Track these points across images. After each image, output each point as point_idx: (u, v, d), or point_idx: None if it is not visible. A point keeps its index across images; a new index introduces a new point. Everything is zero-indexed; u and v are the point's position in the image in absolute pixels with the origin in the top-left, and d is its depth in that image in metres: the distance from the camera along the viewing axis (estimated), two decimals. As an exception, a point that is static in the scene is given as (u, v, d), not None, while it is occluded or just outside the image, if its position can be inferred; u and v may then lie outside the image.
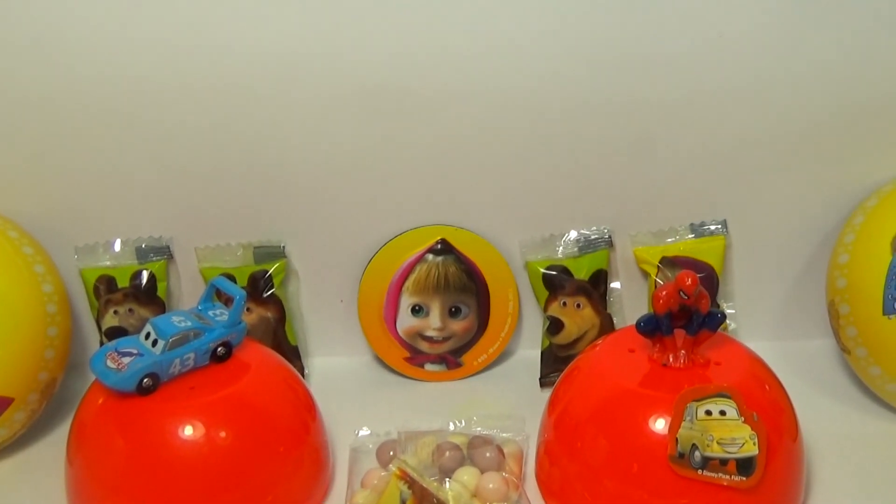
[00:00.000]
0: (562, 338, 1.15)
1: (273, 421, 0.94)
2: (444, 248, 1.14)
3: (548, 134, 1.12)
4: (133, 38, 1.06)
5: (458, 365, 1.17)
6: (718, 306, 1.15)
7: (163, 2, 1.05)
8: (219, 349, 0.94)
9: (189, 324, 0.93)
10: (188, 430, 0.89)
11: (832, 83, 1.10)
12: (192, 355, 0.93)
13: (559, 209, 1.15)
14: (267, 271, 1.14)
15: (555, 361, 1.14)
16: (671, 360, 0.93)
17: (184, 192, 1.14)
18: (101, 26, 1.05)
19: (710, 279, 1.14)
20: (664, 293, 0.90)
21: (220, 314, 0.96)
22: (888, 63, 1.09)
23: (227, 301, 0.95)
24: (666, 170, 1.14)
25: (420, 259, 1.14)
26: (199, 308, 0.98)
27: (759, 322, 1.21)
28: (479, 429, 1.04)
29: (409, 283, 1.14)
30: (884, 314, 1.01)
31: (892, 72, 1.10)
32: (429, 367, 1.17)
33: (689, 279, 0.88)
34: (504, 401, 1.14)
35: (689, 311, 0.91)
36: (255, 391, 0.95)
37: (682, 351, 0.93)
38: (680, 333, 0.93)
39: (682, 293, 0.89)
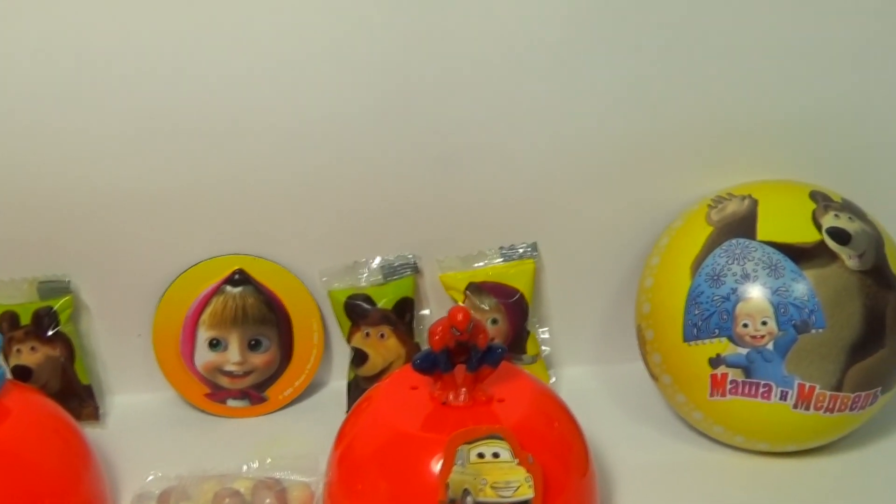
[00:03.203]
0: (367, 369, 1.10)
1: (35, 472, 0.89)
2: (242, 279, 1.09)
3: (347, 158, 1.08)
4: None
5: (263, 400, 1.12)
6: (528, 332, 1.11)
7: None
8: (-28, 398, 0.88)
9: (-63, 373, 0.87)
10: (-66, 487, 0.83)
11: (638, 103, 1.08)
12: (-61, 406, 0.86)
13: (363, 235, 1.11)
14: (52, 307, 1.08)
15: (362, 394, 1.09)
16: (451, 398, 0.88)
17: (-38, 224, 1.07)
18: None
19: (519, 304, 1.11)
20: (439, 329, 0.86)
21: (-21, 360, 0.90)
22: (693, 83, 1.07)
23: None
24: (473, 192, 1.10)
25: (216, 291, 1.09)
26: (-44, 354, 0.91)
27: (576, 346, 1.18)
28: (275, 471, 0.98)
29: (205, 315, 1.09)
30: (684, 341, 0.98)
31: (698, 93, 1.07)
32: (231, 402, 1.12)
33: (460, 315, 0.85)
34: (310, 436, 1.09)
35: (468, 347, 0.87)
36: (13, 441, 0.89)
37: (463, 389, 0.88)
38: (461, 370, 0.89)
39: (454, 330, 0.84)
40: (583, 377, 1.17)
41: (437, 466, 0.83)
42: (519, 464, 0.82)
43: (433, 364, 0.88)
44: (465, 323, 0.84)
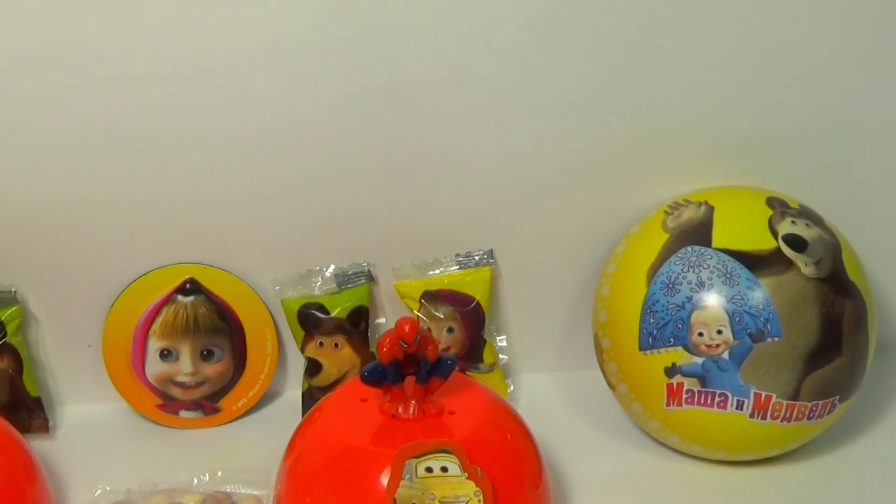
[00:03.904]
0: (321, 380, 1.08)
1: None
2: (193, 288, 1.07)
3: (300, 165, 1.06)
4: None
5: (216, 410, 1.10)
6: (485, 340, 1.10)
7: None
8: None
9: None
10: None
11: (595, 109, 1.06)
12: None
13: (316, 243, 1.09)
14: (-1, 318, 1.06)
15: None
16: (400, 410, 0.87)
17: None
18: None
19: (475, 313, 1.09)
20: (387, 341, 0.85)
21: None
22: (652, 89, 1.06)
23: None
24: (428, 199, 1.09)
25: (167, 300, 1.07)
26: None
27: (535, 354, 1.16)
28: (226, 484, 0.97)
29: (155, 326, 1.07)
30: (640, 350, 0.97)
31: (656, 98, 1.06)
32: (184, 413, 1.10)
33: (407, 326, 0.83)
34: (263, 448, 1.07)
35: (418, 359, 0.86)
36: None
37: (413, 401, 0.87)
38: (411, 382, 0.87)
39: (401, 342, 0.83)
40: (542, 385, 1.16)
41: (385, 481, 0.82)
42: (468, 478, 0.81)
43: (381, 376, 0.86)
44: (412, 335, 0.83)
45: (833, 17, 1.04)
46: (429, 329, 1.08)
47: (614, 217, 1.09)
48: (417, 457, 0.81)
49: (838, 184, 1.10)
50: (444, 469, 0.81)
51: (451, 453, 0.82)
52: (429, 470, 0.81)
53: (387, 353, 0.85)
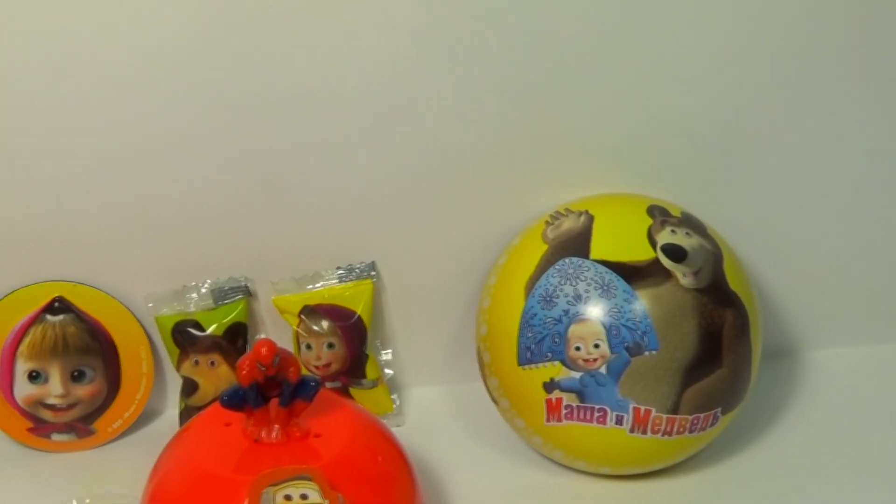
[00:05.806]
0: (197, 399, 1.05)
1: None
2: (62, 307, 1.04)
3: (172, 177, 1.03)
4: None
5: (90, 433, 1.06)
6: (367, 355, 1.07)
7: None
8: None
9: None
10: None
11: (478, 115, 1.04)
12: None
13: (191, 257, 1.06)
14: None
15: (193, 425, 1.04)
16: (264, 435, 0.84)
17: None
18: None
19: (357, 327, 1.06)
20: (246, 363, 0.82)
21: None
22: (532, 95, 1.03)
23: None
24: (306, 211, 1.06)
25: (34, 320, 1.03)
26: None
27: (422, 368, 1.14)
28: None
29: (23, 346, 1.03)
30: (519, 365, 0.94)
31: (537, 104, 1.04)
32: (56, 437, 1.06)
33: (264, 349, 0.80)
34: (139, 470, 1.01)
35: (280, 381, 0.82)
36: None
37: (276, 425, 0.84)
38: (274, 405, 0.84)
39: (259, 364, 0.80)
40: (428, 399, 1.13)
41: (239, 511, 0.79)
42: (329, 505, 0.78)
43: (242, 400, 0.83)
44: (269, 357, 0.80)
45: (714, 23, 1.02)
46: (308, 346, 1.05)
47: (499, 227, 1.07)
48: (276, 484, 0.79)
49: (723, 190, 1.08)
50: (304, 497, 0.79)
51: (311, 480, 0.79)
52: (288, 498, 0.78)
53: (246, 376, 0.82)
